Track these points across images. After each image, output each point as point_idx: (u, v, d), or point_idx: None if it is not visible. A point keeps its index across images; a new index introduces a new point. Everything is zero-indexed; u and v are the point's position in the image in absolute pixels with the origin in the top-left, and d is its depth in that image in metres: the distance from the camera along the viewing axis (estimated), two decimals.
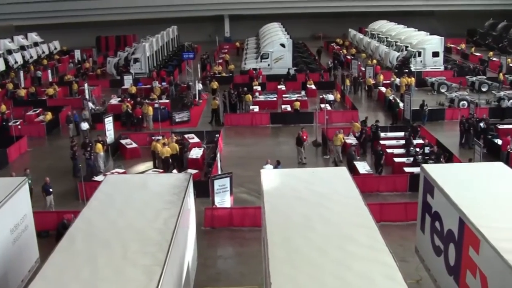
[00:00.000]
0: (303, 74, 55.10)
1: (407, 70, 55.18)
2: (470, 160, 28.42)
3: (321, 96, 45.25)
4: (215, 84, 49.71)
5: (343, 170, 19.17)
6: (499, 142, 32.97)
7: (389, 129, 37.09)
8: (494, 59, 64.07)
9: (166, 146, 31.29)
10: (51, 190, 26.43)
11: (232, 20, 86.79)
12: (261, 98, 46.77)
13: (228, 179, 26.39)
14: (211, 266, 21.80)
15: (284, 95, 47.52)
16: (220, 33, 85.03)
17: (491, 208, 15.30)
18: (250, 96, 45.29)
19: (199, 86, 49.32)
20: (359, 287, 11.87)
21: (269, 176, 18.72)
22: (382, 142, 33.99)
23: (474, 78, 51.87)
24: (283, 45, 58.48)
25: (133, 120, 40.19)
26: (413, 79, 50.30)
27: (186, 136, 35.36)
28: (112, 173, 29.15)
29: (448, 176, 17.54)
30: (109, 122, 36.54)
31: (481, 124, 35.41)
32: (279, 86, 50.24)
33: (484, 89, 49.80)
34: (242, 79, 54.32)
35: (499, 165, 19.32)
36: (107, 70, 62.03)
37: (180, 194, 17.03)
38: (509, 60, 59.45)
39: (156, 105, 42.16)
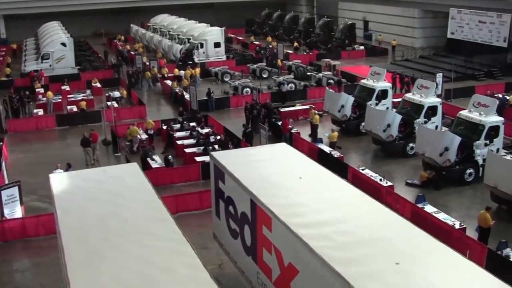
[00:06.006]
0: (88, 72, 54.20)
1: (191, 62, 56.17)
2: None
3: (107, 94, 44.70)
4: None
5: (134, 166, 19.12)
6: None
7: (177, 122, 37.30)
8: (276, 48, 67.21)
9: None
10: None
11: (8, 20, 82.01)
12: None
13: (16, 188, 25.17)
14: (8, 281, 20.79)
15: (69, 96, 46.10)
16: None
17: (278, 187, 16.18)
18: (51, 93, 44.36)
19: None
20: (161, 280, 11.98)
21: (59, 180, 18.20)
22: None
23: (255, 66, 54.14)
24: (64, 44, 56.58)
25: None
26: (197, 70, 51.31)
27: None
28: None
29: (236, 161, 18.21)
30: None
31: (264, 109, 37.19)
32: (63, 87, 48.64)
33: (265, 76, 52.38)
34: (23, 82, 51.78)
35: (282, 146, 20.48)
36: None
37: None
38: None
39: None
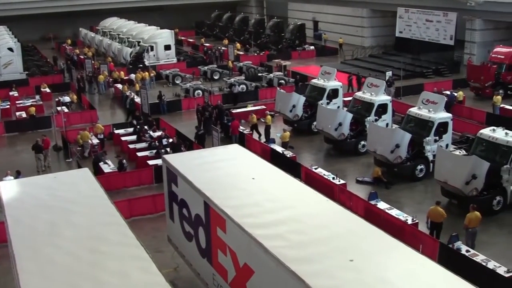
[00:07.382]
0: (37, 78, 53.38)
1: (141, 65, 55.79)
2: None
3: (56, 99, 44.05)
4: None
5: (86, 171, 18.92)
6: None
7: (129, 125, 36.91)
8: (224, 48, 67.18)
9: None
10: None
11: None
12: None
13: None
14: None
15: (17, 102, 45.22)
16: None
17: (231, 188, 16.20)
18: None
19: None
20: (115, 285, 11.89)
21: (9, 188, 17.84)
22: (123, 138, 34.21)
23: (206, 68, 54.09)
24: (11, 49, 55.39)
25: None
26: (147, 73, 51.09)
27: None
28: None
29: (189, 164, 18.13)
30: None
31: (216, 110, 37.15)
32: (11, 93, 47.69)
33: (216, 77, 52.37)
34: None
35: (235, 147, 20.48)
36: None
37: None
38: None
39: None
